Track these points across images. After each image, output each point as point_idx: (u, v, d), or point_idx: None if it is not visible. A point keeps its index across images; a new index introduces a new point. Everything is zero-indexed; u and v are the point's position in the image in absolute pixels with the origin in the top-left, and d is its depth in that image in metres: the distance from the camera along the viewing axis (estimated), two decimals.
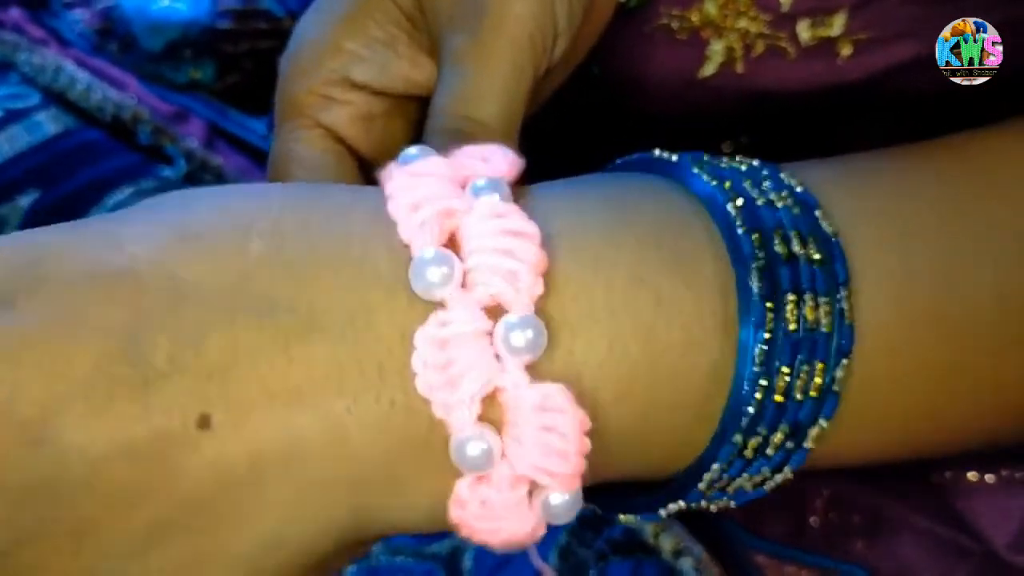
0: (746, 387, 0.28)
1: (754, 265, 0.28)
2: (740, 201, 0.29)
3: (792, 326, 0.28)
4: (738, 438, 0.28)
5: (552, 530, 0.42)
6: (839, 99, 0.39)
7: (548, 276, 0.28)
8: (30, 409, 0.26)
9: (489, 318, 0.27)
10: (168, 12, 0.54)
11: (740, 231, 0.28)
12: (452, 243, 0.28)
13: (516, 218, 0.28)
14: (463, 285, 0.27)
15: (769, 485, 0.30)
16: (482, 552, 0.42)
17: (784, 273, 0.28)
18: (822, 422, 0.29)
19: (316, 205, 0.29)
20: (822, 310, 0.29)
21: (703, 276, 0.29)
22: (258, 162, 0.53)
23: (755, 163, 0.31)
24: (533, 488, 0.28)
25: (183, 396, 0.26)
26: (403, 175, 0.28)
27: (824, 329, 0.29)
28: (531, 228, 0.27)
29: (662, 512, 0.31)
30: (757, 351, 0.28)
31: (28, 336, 0.26)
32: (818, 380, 0.29)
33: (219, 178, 0.51)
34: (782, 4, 0.37)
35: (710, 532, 0.45)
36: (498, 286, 0.27)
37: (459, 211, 0.28)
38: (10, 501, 0.26)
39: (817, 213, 0.30)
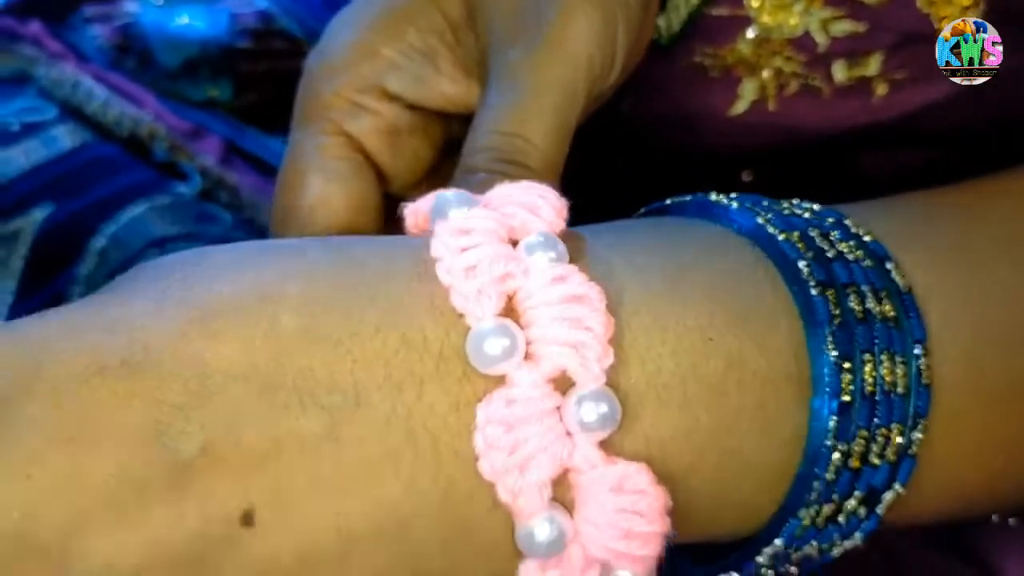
0: (819, 461, 0.27)
1: (828, 330, 0.27)
2: (811, 254, 0.28)
3: (869, 388, 0.27)
4: (803, 513, 0.27)
5: None
6: (871, 137, 0.39)
7: (613, 341, 0.26)
8: (48, 533, 0.23)
9: (556, 390, 0.25)
10: (186, 30, 0.54)
11: (814, 291, 0.27)
12: (509, 308, 0.26)
13: (578, 281, 0.26)
14: (526, 357, 0.25)
15: (836, 551, 0.29)
16: None
17: (860, 332, 0.27)
18: (897, 487, 0.28)
19: (347, 267, 0.26)
20: (898, 371, 0.27)
21: (775, 336, 0.27)
22: (274, 180, 0.52)
23: (816, 208, 0.30)
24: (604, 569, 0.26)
25: (223, 493, 0.24)
26: (448, 233, 0.26)
27: (900, 391, 0.27)
28: (594, 292, 0.26)
29: (760, 559, 0.29)
30: (832, 423, 0.27)
31: (35, 449, 0.23)
32: (895, 443, 0.27)
33: (235, 195, 0.50)
34: (818, 44, 0.37)
35: None
36: (566, 359, 0.25)
37: (516, 274, 0.26)
38: None
39: (888, 266, 0.29)
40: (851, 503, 0.28)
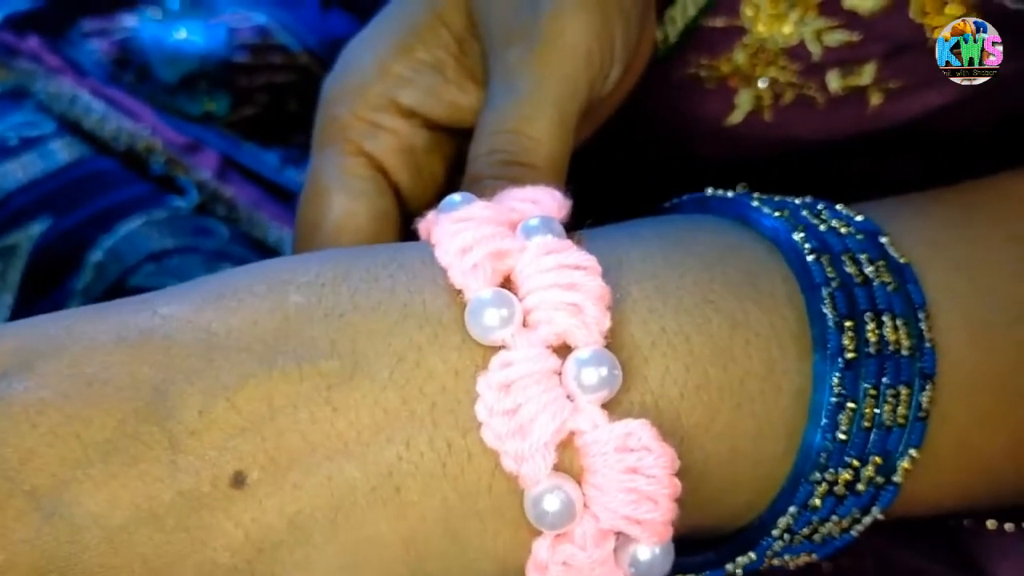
0: (824, 419, 0.27)
1: (826, 291, 0.27)
2: (802, 227, 0.28)
3: (873, 348, 0.27)
4: (816, 475, 0.27)
5: None
6: (866, 145, 0.39)
7: (614, 306, 0.26)
8: (41, 478, 0.24)
9: (556, 358, 0.25)
10: (184, 44, 0.54)
11: (809, 257, 0.28)
12: (507, 286, 0.26)
13: (573, 252, 0.26)
14: (524, 325, 0.26)
15: (857, 529, 0.29)
16: None
17: (860, 294, 0.27)
18: (912, 452, 0.28)
19: (356, 259, 0.27)
20: (901, 331, 0.27)
21: (777, 298, 0.28)
22: (271, 194, 0.53)
23: (807, 199, 0.31)
24: (618, 544, 0.26)
25: (214, 453, 0.24)
26: (448, 221, 0.27)
27: (905, 352, 0.27)
28: (590, 261, 0.26)
29: (729, 567, 0.29)
30: (835, 380, 0.27)
31: (43, 400, 0.24)
32: (903, 409, 0.27)
33: (231, 209, 0.51)
34: (813, 54, 0.37)
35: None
36: (563, 322, 0.25)
37: (512, 251, 0.26)
38: None
39: (883, 240, 0.29)
40: (868, 470, 0.27)
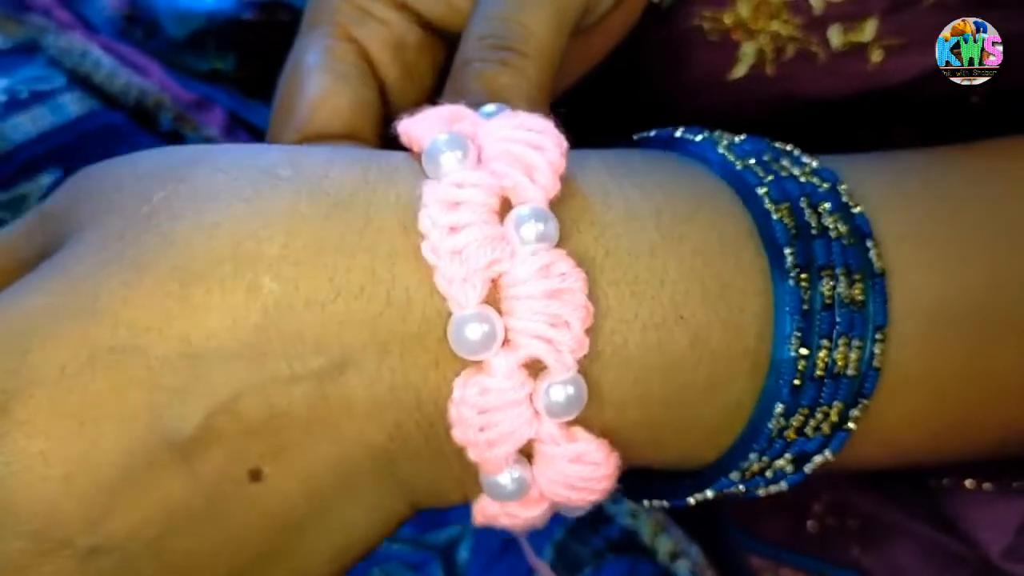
0: (760, 437, 0.29)
1: (798, 320, 0.28)
2: (795, 231, 0.28)
3: (819, 372, 0.28)
4: (735, 475, 0.29)
5: (549, 526, 0.42)
6: (869, 106, 0.40)
7: (591, 330, 0.27)
8: (71, 526, 0.25)
9: (529, 376, 0.27)
10: (194, 1, 0.55)
11: (791, 281, 0.28)
12: (491, 289, 0.27)
13: (561, 271, 0.26)
14: (504, 341, 0.27)
15: (809, 467, 0.31)
16: (478, 545, 0.42)
17: (824, 318, 0.28)
18: (828, 454, 0.30)
19: (328, 215, 0.26)
20: (852, 355, 0.29)
21: (743, 315, 0.28)
22: None
23: (815, 164, 0.31)
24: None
25: (228, 460, 0.26)
26: (437, 206, 0.26)
27: (850, 372, 0.29)
28: (577, 283, 0.26)
29: (691, 500, 0.31)
30: (780, 408, 0.28)
31: (44, 453, 0.24)
32: (832, 420, 0.29)
33: None
34: (814, 7, 0.38)
35: (708, 533, 0.46)
36: (541, 352, 0.26)
37: (502, 259, 0.26)
38: None
39: (868, 244, 0.29)
40: (780, 462, 0.29)
